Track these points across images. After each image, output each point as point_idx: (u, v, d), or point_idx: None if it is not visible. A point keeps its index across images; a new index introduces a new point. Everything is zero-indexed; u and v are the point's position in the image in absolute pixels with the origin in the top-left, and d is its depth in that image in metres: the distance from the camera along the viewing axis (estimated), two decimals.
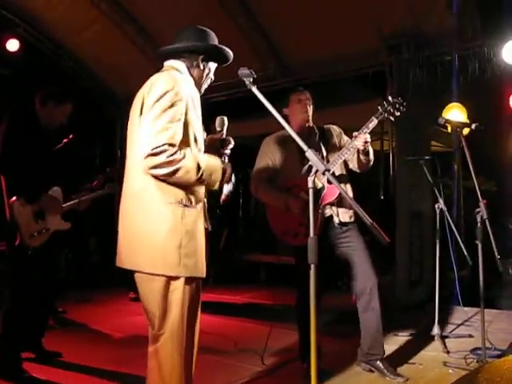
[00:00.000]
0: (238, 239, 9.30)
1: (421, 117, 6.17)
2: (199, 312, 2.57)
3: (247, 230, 9.41)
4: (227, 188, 2.48)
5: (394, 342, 4.62)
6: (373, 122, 3.60)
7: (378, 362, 3.70)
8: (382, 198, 8.40)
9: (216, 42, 2.69)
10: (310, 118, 3.89)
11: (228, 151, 2.72)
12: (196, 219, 2.47)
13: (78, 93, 8.67)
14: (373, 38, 6.30)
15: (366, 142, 3.56)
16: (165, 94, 2.37)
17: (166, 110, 2.35)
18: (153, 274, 2.41)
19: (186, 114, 2.44)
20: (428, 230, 6.23)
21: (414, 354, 4.29)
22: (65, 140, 6.36)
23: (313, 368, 2.08)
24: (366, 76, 6.93)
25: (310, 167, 2.17)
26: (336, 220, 3.73)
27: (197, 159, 2.41)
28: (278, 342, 4.39)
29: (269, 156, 3.86)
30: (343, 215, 3.74)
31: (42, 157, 3.92)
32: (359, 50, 6.47)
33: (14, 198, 3.82)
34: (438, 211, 4.68)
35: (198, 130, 2.54)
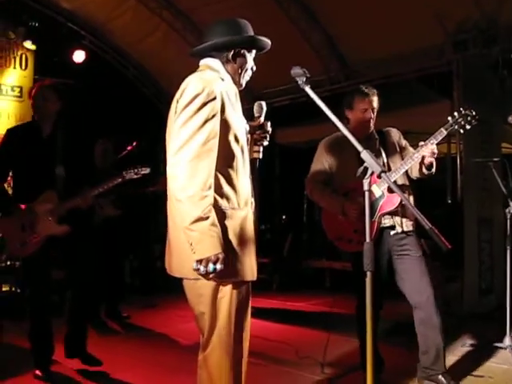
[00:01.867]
0: (302, 245, 9.18)
1: (490, 117, 5.90)
2: (249, 317, 2.49)
3: (312, 236, 9.27)
4: (211, 267, 2.19)
5: (461, 354, 4.41)
6: (441, 134, 3.41)
7: (440, 377, 3.46)
8: (450, 202, 8.09)
9: (248, 31, 2.55)
10: (373, 124, 3.70)
11: (265, 140, 2.63)
12: (242, 221, 2.39)
13: (142, 100, 8.89)
14: (437, 34, 6.06)
15: (433, 153, 3.39)
16: (196, 96, 2.29)
17: (197, 112, 2.27)
18: (198, 280, 2.33)
19: (223, 112, 2.34)
20: (499, 236, 5.94)
21: (484, 366, 4.06)
22: (129, 147, 6.48)
23: (368, 379, 1.98)
24: (432, 76, 6.70)
25: (366, 169, 2.07)
26: (399, 229, 3.56)
27: (212, 217, 2.22)
28: (340, 351, 4.27)
29: (325, 158, 3.75)
30: (406, 224, 3.58)
31: (33, 164, 3.88)
32: (423, 48, 6.27)
33: None
34: (508, 216, 4.45)
35: (237, 126, 2.43)
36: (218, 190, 2.33)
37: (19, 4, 7.50)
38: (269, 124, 2.63)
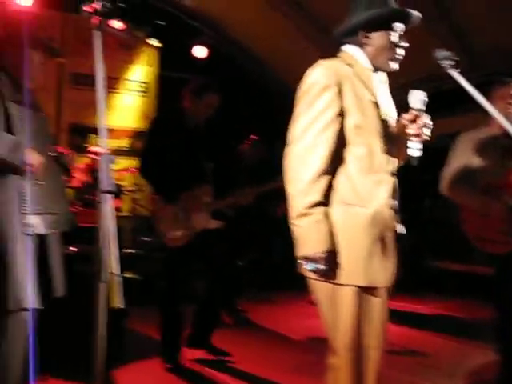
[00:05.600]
0: (426, 244, 8.78)
1: None
2: (380, 326, 2.27)
3: (436, 235, 8.84)
4: (310, 265, 2.10)
5: None
6: None
7: None
8: None
9: (389, 3, 2.27)
10: None
11: (420, 136, 2.22)
12: (365, 221, 2.18)
13: (263, 95, 8.88)
14: None
15: None
16: (311, 86, 2.19)
17: (312, 102, 2.17)
18: (316, 280, 2.20)
19: (343, 101, 2.17)
20: None
21: None
22: (247, 141, 6.48)
23: None
24: None
25: None
26: None
27: None
28: (472, 361, 3.96)
29: (465, 153, 3.46)
30: None
31: (186, 155, 3.86)
32: None
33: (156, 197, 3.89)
34: None
35: (366, 116, 2.21)
36: (342, 185, 2.20)
37: (145, 4, 7.76)
38: (424, 117, 2.24)
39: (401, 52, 2.29)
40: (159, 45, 8.06)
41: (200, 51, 8.19)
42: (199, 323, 4.10)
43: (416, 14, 2.29)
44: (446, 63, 2.08)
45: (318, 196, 2.11)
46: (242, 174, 5.57)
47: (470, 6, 6.28)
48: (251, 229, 6.41)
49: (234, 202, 4.04)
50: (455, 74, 2.05)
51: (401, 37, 2.28)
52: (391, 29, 2.25)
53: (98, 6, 1.79)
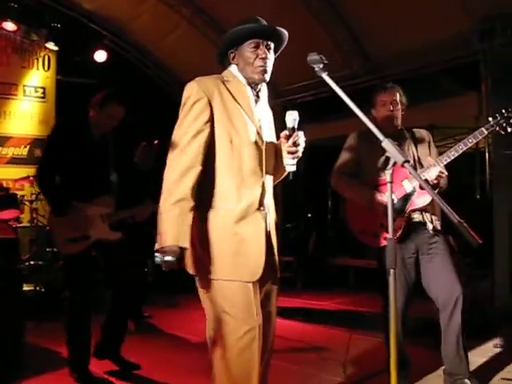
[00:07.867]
0: (327, 243, 9.06)
1: None
2: (263, 317, 2.42)
3: (337, 233, 9.14)
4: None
5: (491, 355, 4.23)
6: (481, 134, 3.18)
7: (466, 381, 3.27)
8: (478, 197, 7.86)
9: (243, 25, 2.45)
10: (399, 119, 3.50)
11: (294, 153, 2.36)
12: (229, 221, 2.34)
13: (165, 99, 8.83)
14: (462, 23, 5.80)
15: (439, 176, 3.21)
16: (187, 99, 2.39)
17: (187, 113, 2.37)
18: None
19: (213, 111, 2.37)
20: None
21: None
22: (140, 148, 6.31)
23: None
24: (457, 68, 6.49)
25: (388, 159, 1.95)
26: (430, 226, 3.41)
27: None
28: (363, 351, 4.14)
29: (353, 150, 3.58)
30: (436, 222, 3.44)
31: (87, 167, 3.78)
32: (448, 38, 6.02)
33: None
34: None
35: (234, 126, 2.39)
36: (203, 188, 2.36)
37: (41, 6, 7.53)
38: (297, 135, 2.36)
39: (262, 64, 2.42)
40: (56, 48, 7.82)
41: (100, 55, 8.03)
42: (108, 334, 4.01)
43: (273, 28, 2.45)
44: (317, 67, 2.15)
45: (180, 195, 2.24)
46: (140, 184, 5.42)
47: (366, 14, 6.52)
48: (154, 234, 6.35)
49: (132, 215, 4.05)
50: (325, 77, 2.12)
51: (261, 49, 2.42)
52: (248, 44, 2.43)
53: None
